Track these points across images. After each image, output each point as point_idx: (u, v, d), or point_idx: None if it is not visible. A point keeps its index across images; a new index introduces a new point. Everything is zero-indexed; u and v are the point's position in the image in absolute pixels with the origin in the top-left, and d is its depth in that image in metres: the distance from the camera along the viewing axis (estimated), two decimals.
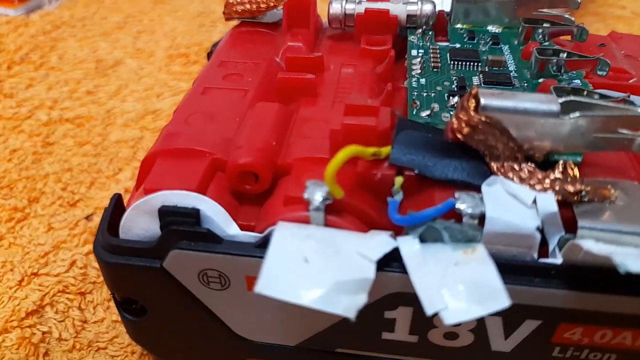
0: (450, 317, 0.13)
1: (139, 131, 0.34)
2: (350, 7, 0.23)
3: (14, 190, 0.29)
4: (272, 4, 0.24)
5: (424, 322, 0.16)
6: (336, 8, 0.23)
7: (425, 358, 0.18)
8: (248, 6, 0.24)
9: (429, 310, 0.13)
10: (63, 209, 0.28)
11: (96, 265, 0.25)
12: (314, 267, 0.14)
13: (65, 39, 0.45)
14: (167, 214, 0.16)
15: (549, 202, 0.15)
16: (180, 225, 0.16)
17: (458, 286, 0.14)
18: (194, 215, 0.16)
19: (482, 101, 0.15)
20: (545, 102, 0.15)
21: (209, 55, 0.26)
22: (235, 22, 0.26)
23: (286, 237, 0.15)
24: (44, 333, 0.22)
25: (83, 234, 0.26)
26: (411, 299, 0.16)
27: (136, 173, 0.31)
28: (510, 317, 0.16)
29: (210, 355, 0.20)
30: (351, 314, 0.14)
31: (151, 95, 0.37)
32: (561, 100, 0.15)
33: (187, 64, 0.41)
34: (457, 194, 0.15)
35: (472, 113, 0.15)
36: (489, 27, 0.23)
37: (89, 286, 0.24)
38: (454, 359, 0.18)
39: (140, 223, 0.17)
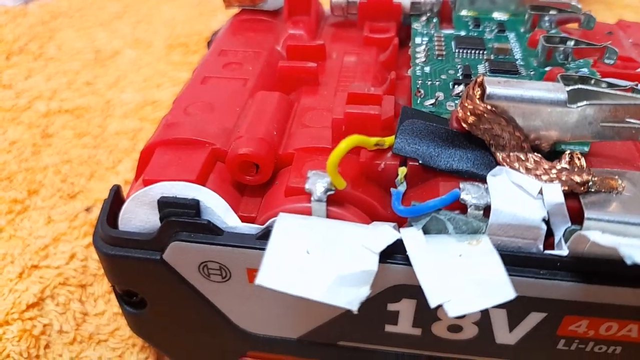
0: (454, 310, 0.13)
1: (138, 122, 0.33)
2: None
3: (14, 182, 0.29)
4: None
5: (427, 314, 0.16)
6: None
7: (429, 351, 0.18)
8: None
9: (433, 303, 0.13)
10: (63, 201, 0.28)
11: (96, 257, 0.25)
12: (316, 259, 0.14)
13: (63, 29, 0.45)
14: (166, 205, 0.16)
15: (555, 193, 0.14)
16: (180, 217, 0.16)
17: (462, 278, 0.13)
18: (194, 206, 0.16)
19: (488, 89, 0.15)
20: (552, 91, 0.15)
21: (209, 44, 0.26)
22: (235, 10, 0.25)
23: (287, 229, 0.14)
24: (44, 325, 0.22)
25: (83, 226, 0.26)
26: (415, 291, 0.15)
27: (136, 164, 0.30)
28: (515, 310, 0.16)
29: (211, 348, 0.20)
30: (354, 306, 0.13)
31: (150, 85, 0.37)
32: (568, 88, 0.15)
33: (186, 54, 0.40)
34: (461, 185, 0.15)
35: (478, 102, 0.15)
36: (495, 15, 0.22)
37: (90, 278, 0.24)
38: (459, 352, 0.17)
39: (139, 214, 0.17)
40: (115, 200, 0.18)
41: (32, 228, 0.26)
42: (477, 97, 0.15)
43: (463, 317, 0.16)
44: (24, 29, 0.44)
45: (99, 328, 0.22)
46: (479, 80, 0.15)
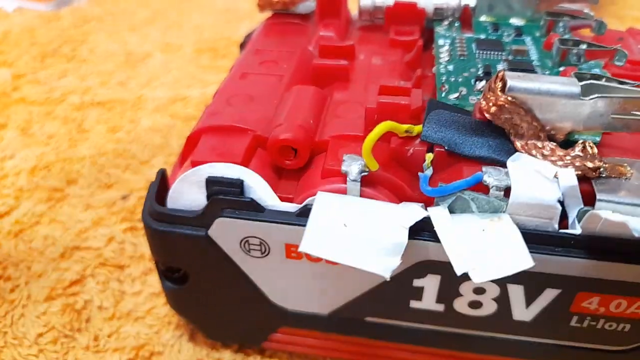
0: (478, 276, 0.14)
1: (170, 119, 0.35)
2: (379, 0, 0.24)
3: (52, 172, 0.31)
4: None
5: (450, 290, 0.18)
6: (366, 1, 0.25)
7: (451, 327, 0.19)
8: None
9: (459, 270, 0.15)
10: (100, 190, 0.29)
11: (133, 240, 0.26)
12: (352, 231, 0.15)
13: (95, 32, 0.47)
14: (213, 184, 0.17)
15: (569, 176, 0.16)
16: (226, 195, 0.17)
17: (485, 249, 0.15)
18: (238, 185, 0.17)
19: (509, 83, 0.16)
20: (567, 84, 0.16)
21: (242, 45, 0.28)
22: (267, 14, 0.27)
23: (326, 204, 0.16)
24: (86, 301, 0.24)
25: (121, 212, 0.28)
26: (439, 267, 0.17)
27: (168, 160, 0.32)
28: (531, 285, 0.17)
29: (244, 324, 0.21)
30: (387, 273, 0.15)
31: (181, 86, 0.39)
32: (582, 83, 0.16)
33: (215, 58, 0.42)
34: (484, 168, 0.16)
35: (499, 93, 0.16)
36: (512, 20, 0.24)
37: (127, 260, 0.26)
38: (478, 329, 0.19)
39: (186, 193, 0.18)
40: (162, 182, 0.19)
41: (72, 213, 0.28)
42: (499, 89, 0.16)
43: (483, 292, 0.17)
44: (58, 32, 0.47)
45: (137, 306, 0.24)
46: (500, 74, 0.17)
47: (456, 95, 0.19)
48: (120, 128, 0.34)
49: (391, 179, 0.17)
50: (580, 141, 0.17)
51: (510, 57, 0.21)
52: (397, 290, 0.18)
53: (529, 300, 0.17)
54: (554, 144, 0.17)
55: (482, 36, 0.23)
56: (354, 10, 0.27)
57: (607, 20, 0.49)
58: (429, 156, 0.17)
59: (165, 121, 0.35)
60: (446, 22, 0.24)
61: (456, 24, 0.24)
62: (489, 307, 0.18)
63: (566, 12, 0.24)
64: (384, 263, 0.15)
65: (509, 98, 0.16)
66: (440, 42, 0.23)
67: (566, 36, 0.23)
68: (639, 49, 0.24)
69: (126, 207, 0.28)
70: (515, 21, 0.24)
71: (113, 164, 0.31)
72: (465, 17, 0.25)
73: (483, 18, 0.24)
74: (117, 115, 0.36)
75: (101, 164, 0.31)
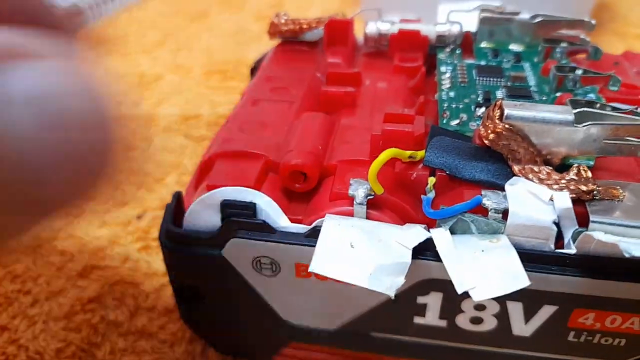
0: (478, 295, 0.15)
1: (182, 139, 0.36)
2: (384, 28, 0.26)
3: None
4: (313, 25, 0.26)
5: (452, 307, 0.19)
6: (372, 28, 0.26)
7: (453, 342, 0.20)
8: (292, 26, 0.26)
9: (460, 289, 0.15)
10: (115, 207, 0.31)
11: (147, 258, 0.27)
12: (359, 252, 0.16)
13: (108, 54, 0.48)
14: (228, 207, 0.18)
15: (564, 199, 0.17)
16: (239, 217, 0.18)
17: (484, 269, 0.16)
18: (251, 208, 0.18)
19: (506, 111, 0.17)
20: (561, 113, 0.17)
21: (252, 70, 0.29)
22: (277, 40, 0.28)
23: (334, 226, 0.17)
24: (102, 316, 0.25)
25: (135, 232, 0.29)
26: (442, 285, 0.18)
27: (181, 179, 0.33)
28: (529, 302, 0.18)
29: (256, 339, 0.22)
30: (391, 292, 0.16)
31: (192, 107, 0.40)
32: (575, 110, 0.17)
33: (224, 79, 0.43)
34: (483, 192, 0.17)
35: (497, 121, 0.17)
36: (512, 46, 0.25)
37: (142, 277, 0.27)
38: (479, 344, 0.20)
39: (202, 215, 0.19)
40: (177, 204, 0.20)
41: (88, 230, 0.29)
42: (497, 117, 0.18)
43: (484, 308, 0.18)
44: None
45: (151, 321, 0.25)
46: (498, 103, 0.18)
47: (457, 121, 0.20)
48: (135, 147, 0.36)
49: (395, 202, 0.18)
50: (575, 165, 0.18)
51: (509, 84, 0.22)
52: (401, 307, 0.19)
53: (528, 316, 0.18)
54: (550, 168, 0.18)
55: (483, 62, 0.24)
56: (359, 35, 0.28)
57: (608, 38, 0.50)
58: (432, 180, 0.18)
59: (178, 141, 0.36)
60: (448, 49, 0.25)
61: (457, 51, 0.25)
62: (489, 323, 0.19)
63: (563, 38, 0.25)
64: (389, 282, 0.16)
65: (506, 126, 0.17)
66: (443, 69, 0.24)
67: (563, 62, 0.24)
68: (634, 73, 0.25)
69: (141, 227, 0.29)
70: (515, 47, 0.25)
71: (128, 181, 0.32)
72: (466, 43, 0.26)
73: (484, 44, 0.25)
74: (131, 134, 0.37)
75: (116, 181, 0.32)
